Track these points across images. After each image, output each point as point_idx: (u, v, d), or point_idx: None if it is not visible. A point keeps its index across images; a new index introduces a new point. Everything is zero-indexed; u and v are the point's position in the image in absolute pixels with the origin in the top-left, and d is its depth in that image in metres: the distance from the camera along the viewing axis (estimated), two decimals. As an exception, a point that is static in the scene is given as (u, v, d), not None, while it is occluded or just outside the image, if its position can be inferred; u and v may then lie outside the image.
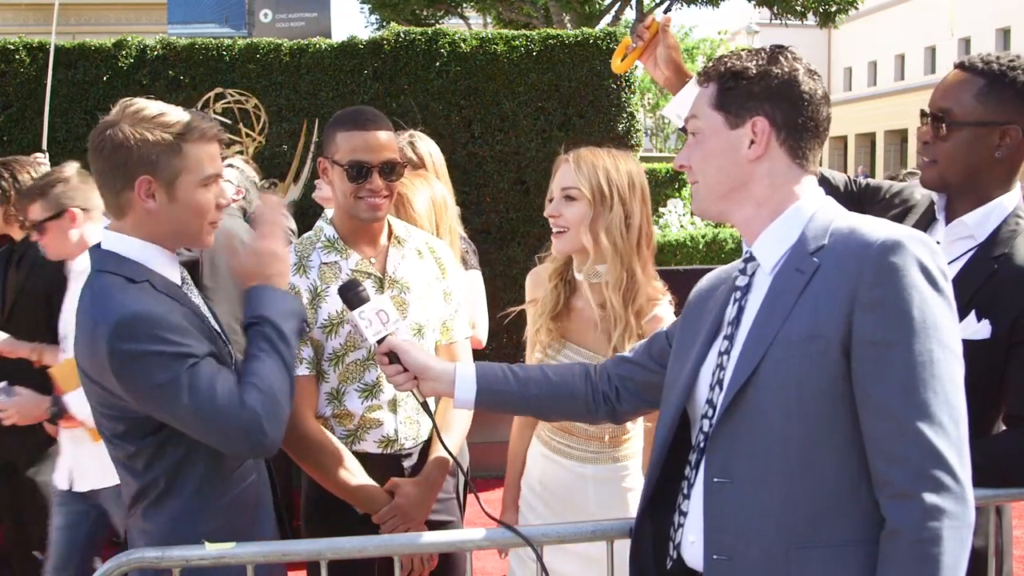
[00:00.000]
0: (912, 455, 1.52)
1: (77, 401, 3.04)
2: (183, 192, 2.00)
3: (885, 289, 1.56)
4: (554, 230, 2.53)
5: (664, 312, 2.53)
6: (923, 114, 2.23)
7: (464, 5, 21.40)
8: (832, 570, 1.59)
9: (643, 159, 10.87)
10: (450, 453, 2.33)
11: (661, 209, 13.18)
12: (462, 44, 6.34)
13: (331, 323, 2.40)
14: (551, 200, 2.54)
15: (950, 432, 1.53)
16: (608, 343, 2.49)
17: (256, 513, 2.16)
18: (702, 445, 1.74)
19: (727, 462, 1.68)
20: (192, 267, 3.91)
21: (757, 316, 1.70)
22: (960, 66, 2.20)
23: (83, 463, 3.23)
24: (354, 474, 2.41)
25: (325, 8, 15.12)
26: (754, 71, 1.72)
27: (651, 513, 1.88)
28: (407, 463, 2.53)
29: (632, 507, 2.59)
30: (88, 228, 3.18)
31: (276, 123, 6.27)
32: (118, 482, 3.08)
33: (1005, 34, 34.44)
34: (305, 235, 2.56)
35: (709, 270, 2.04)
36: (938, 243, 1.94)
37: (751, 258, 1.78)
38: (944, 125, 2.17)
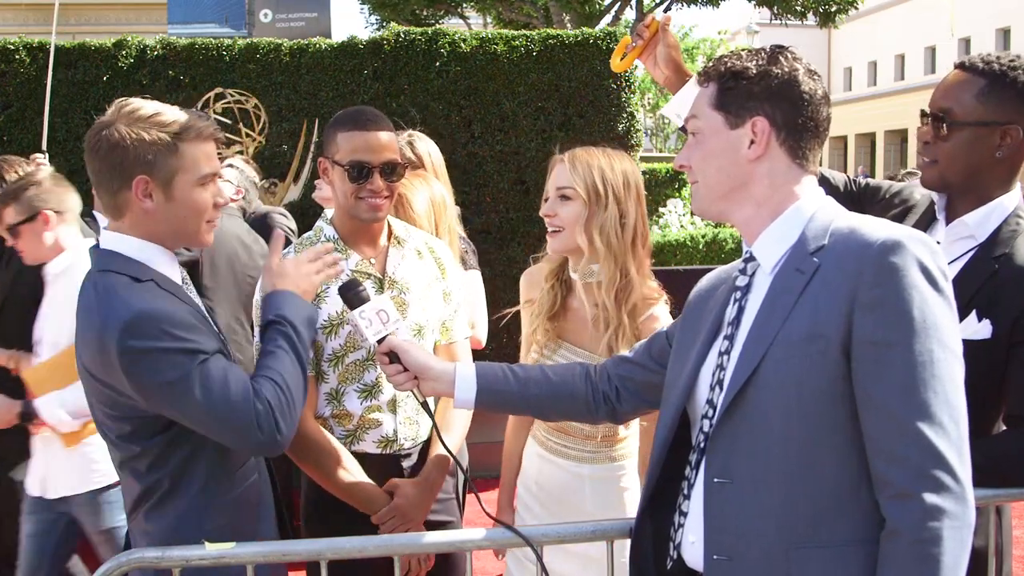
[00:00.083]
0: (912, 455, 1.52)
1: (47, 405, 3.04)
2: (180, 191, 2.00)
3: (885, 289, 1.56)
4: (549, 229, 2.53)
5: (660, 311, 2.53)
6: (923, 114, 2.23)
7: (464, 5, 21.39)
8: (832, 570, 1.59)
9: (643, 159, 10.88)
10: (450, 453, 2.33)
11: (661, 209, 13.19)
12: (462, 44, 6.34)
13: (331, 324, 2.40)
14: (547, 200, 2.55)
15: (950, 432, 1.53)
16: (603, 343, 2.49)
17: (258, 512, 2.16)
18: (702, 445, 1.74)
19: (727, 462, 1.68)
20: (192, 267, 3.91)
21: (757, 316, 1.70)
22: (960, 66, 2.20)
23: (54, 469, 3.18)
24: (353, 474, 2.41)
25: (325, 8, 15.14)
26: (754, 71, 1.72)
27: (651, 513, 1.88)
28: (406, 463, 2.53)
29: (629, 506, 2.59)
30: (62, 231, 3.16)
31: (276, 123, 6.27)
32: (90, 488, 3.10)
33: (1005, 34, 34.45)
34: (305, 235, 2.56)
35: (709, 270, 2.04)
36: (938, 243, 1.94)
37: (751, 258, 1.78)
38: (945, 125, 2.17)
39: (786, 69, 1.72)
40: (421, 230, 2.75)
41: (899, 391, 1.54)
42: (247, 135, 6.08)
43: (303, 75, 6.29)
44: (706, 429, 1.74)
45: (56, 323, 3.12)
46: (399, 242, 2.53)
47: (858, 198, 2.52)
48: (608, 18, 19.35)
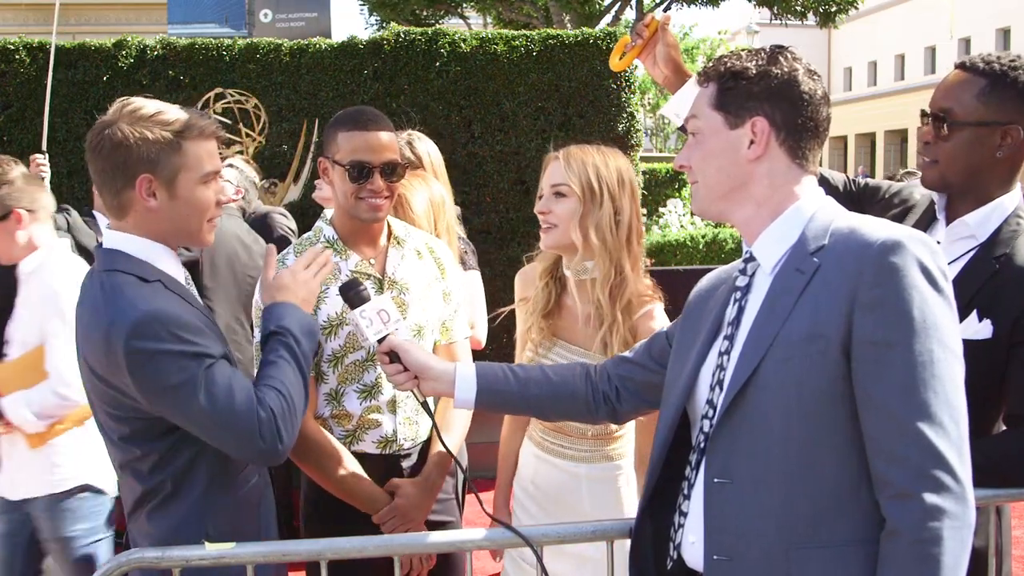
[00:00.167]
0: (912, 455, 1.52)
1: (13, 405, 3.01)
2: (183, 190, 2.00)
3: (885, 289, 1.56)
4: (543, 226, 2.53)
5: (656, 309, 2.53)
6: (924, 114, 2.23)
7: (464, 5, 21.38)
8: (832, 570, 1.59)
9: (643, 159, 10.87)
10: (450, 453, 2.33)
11: (661, 209, 13.19)
12: (462, 44, 6.34)
13: (330, 324, 2.40)
14: (541, 197, 2.55)
15: (950, 432, 1.53)
16: (597, 340, 2.49)
17: (259, 513, 2.16)
18: (702, 445, 1.74)
19: (727, 462, 1.68)
20: (192, 267, 3.91)
21: (757, 316, 1.70)
22: (961, 66, 2.20)
23: (18, 470, 3.14)
24: (354, 475, 2.41)
25: (325, 8, 15.12)
26: (754, 71, 1.72)
27: (651, 513, 1.88)
28: (406, 463, 2.53)
29: (626, 506, 2.59)
30: (35, 229, 3.13)
31: (276, 123, 6.27)
32: (49, 492, 3.06)
33: (1005, 34, 34.45)
34: (305, 235, 2.56)
35: (709, 270, 2.04)
36: (938, 243, 1.94)
37: (751, 258, 1.78)
38: (945, 125, 2.17)
39: (786, 69, 1.72)
40: (421, 230, 2.75)
41: (899, 391, 1.54)
42: (247, 135, 6.08)
43: (303, 75, 6.29)
44: (706, 429, 1.74)
45: (27, 323, 3.10)
46: (399, 242, 2.53)
47: (857, 198, 2.52)
48: (608, 18, 19.34)
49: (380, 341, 2.10)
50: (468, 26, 23.10)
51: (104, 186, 2.02)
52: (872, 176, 30.63)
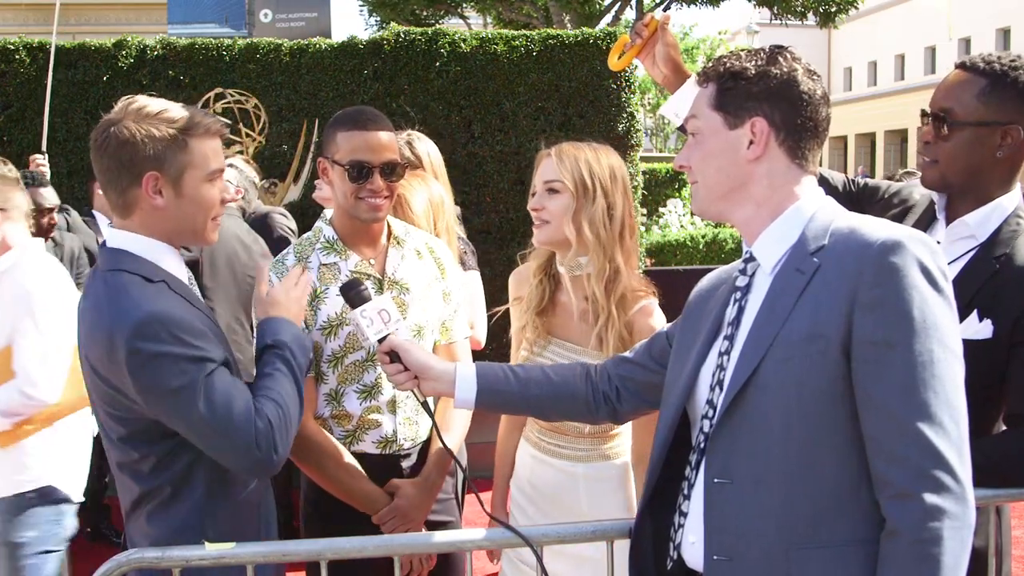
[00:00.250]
0: (912, 455, 1.52)
1: None
2: (189, 187, 2.00)
3: (885, 289, 1.56)
4: (536, 222, 2.54)
5: (651, 304, 2.54)
6: (924, 114, 2.23)
7: (464, 5, 21.38)
8: (832, 570, 1.59)
9: (643, 159, 10.87)
10: (451, 453, 2.33)
11: (661, 209, 13.20)
12: (462, 44, 6.34)
13: (330, 325, 2.40)
14: (534, 194, 2.56)
15: (950, 432, 1.53)
16: (592, 336, 2.50)
17: (259, 514, 2.16)
18: (702, 445, 1.74)
19: (727, 462, 1.68)
20: (191, 267, 3.91)
21: (757, 316, 1.70)
22: (961, 66, 2.20)
23: None
24: (353, 475, 2.41)
25: (325, 8, 15.13)
26: (753, 71, 1.72)
27: (651, 513, 1.88)
28: (405, 464, 2.53)
29: (624, 505, 2.59)
30: (8, 228, 3.11)
31: (276, 123, 6.27)
32: (15, 492, 3.02)
33: (1005, 34, 34.45)
34: (304, 236, 2.56)
35: (709, 270, 2.04)
36: (938, 243, 1.94)
37: (751, 258, 1.78)
38: (945, 125, 2.16)
39: (785, 69, 1.72)
40: (421, 230, 2.75)
41: (899, 391, 1.54)
42: (247, 135, 6.08)
43: (303, 75, 6.30)
44: (706, 429, 1.74)
45: None
46: (399, 242, 2.53)
47: (857, 198, 2.52)
48: (608, 18, 19.33)
49: (381, 341, 2.10)
50: (468, 26, 23.09)
51: (109, 184, 2.01)
52: (872, 176, 30.63)
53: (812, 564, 1.60)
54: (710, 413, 1.74)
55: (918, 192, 2.42)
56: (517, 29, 8.71)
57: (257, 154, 6.13)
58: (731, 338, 1.75)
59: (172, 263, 2.05)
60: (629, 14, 20.23)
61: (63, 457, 3.12)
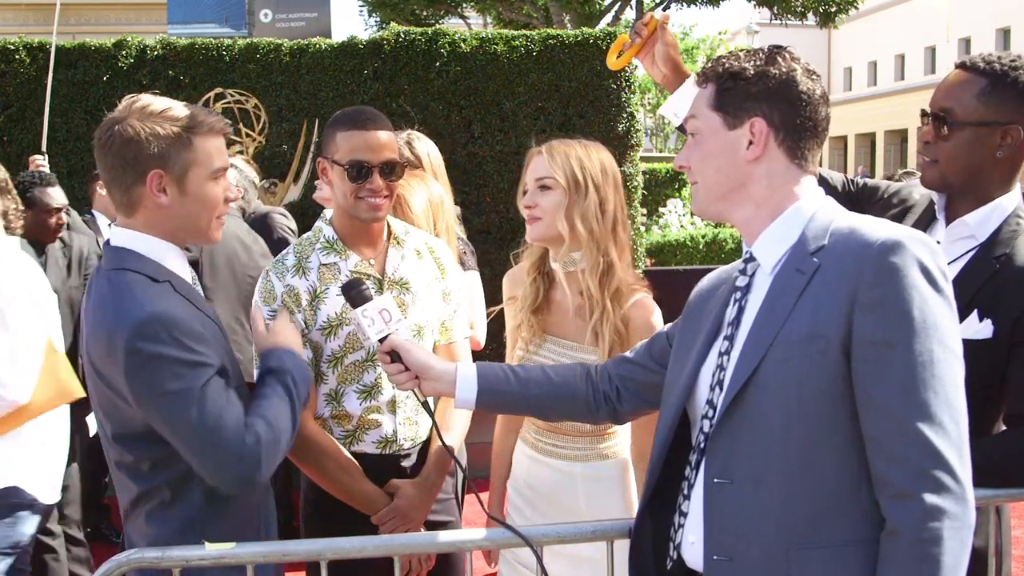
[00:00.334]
0: (912, 455, 1.52)
1: None
2: (194, 185, 2.00)
3: (885, 289, 1.56)
4: (528, 220, 2.54)
5: (646, 298, 2.55)
6: (924, 114, 2.23)
7: (464, 5, 21.38)
8: (832, 570, 1.59)
9: (643, 159, 10.88)
10: (451, 453, 2.33)
11: (661, 209, 13.20)
12: (462, 44, 6.34)
13: (330, 325, 2.40)
14: (525, 192, 2.56)
15: (950, 432, 1.53)
16: (588, 331, 2.50)
17: (259, 515, 2.15)
18: (702, 445, 1.74)
19: (727, 463, 1.68)
20: (191, 267, 3.91)
21: (757, 316, 1.70)
22: (961, 66, 2.20)
23: None
24: (353, 476, 2.41)
25: (325, 8, 15.13)
26: (752, 72, 1.72)
27: (651, 513, 1.88)
28: (405, 464, 2.53)
29: (623, 504, 2.59)
30: None
31: (276, 123, 6.27)
32: None
33: (1005, 34, 34.45)
34: (304, 236, 2.55)
35: (709, 270, 2.04)
36: (938, 243, 1.94)
37: (751, 258, 1.78)
38: (945, 125, 2.16)
39: (784, 69, 1.72)
40: (420, 230, 2.75)
41: (899, 391, 1.54)
42: (247, 135, 6.08)
43: (303, 75, 6.30)
44: (706, 429, 1.74)
45: None
46: (399, 242, 2.53)
47: (856, 198, 2.52)
48: (608, 18, 19.34)
49: (382, 340, 2.10)
50: (468, 26, 23.09)
51: (113, 183, 2.01)
52: (872, 176, 30.63)
53: (812, 564, 1.60)
54: (710, 413, 1.74)
55: (917, 192, 2.42)
56: (517, 29, 8.71)
57: (257, 154, 6.13)
58: (731, 338, 1.75)
59: (176, 262, 2.05)
60: (629, 14, 20.24)
61: (31, 458, 3.10)
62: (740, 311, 1.76)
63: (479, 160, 6.30)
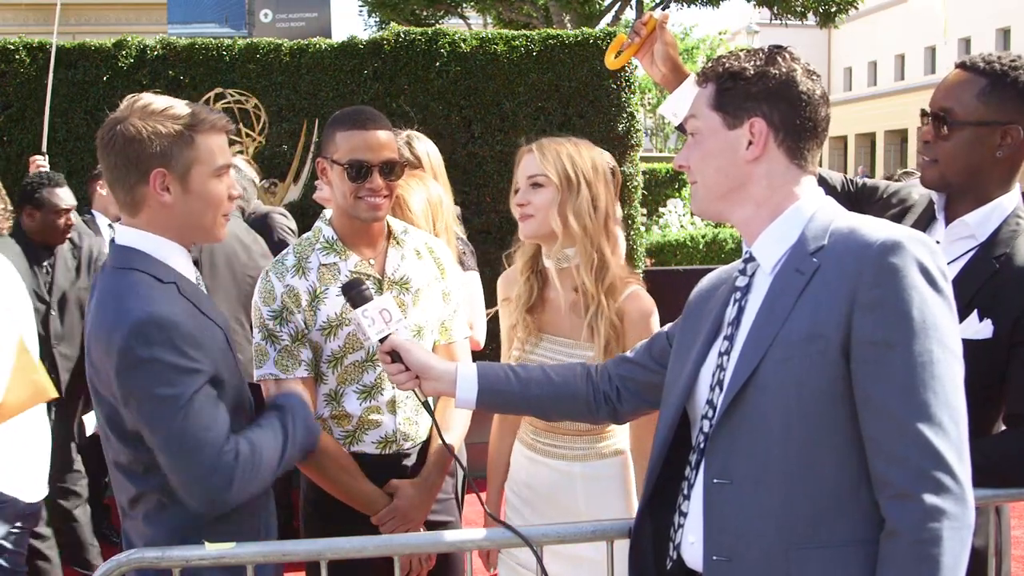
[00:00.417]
0: (912, 456, 1.52)
1: None
2: (197, 183, 2.00)
3: (885, 289, 1.56)
4: (520, 217, 2.55)
5: (640, 290, 2.56)
6: (924, 113, 2.23)
7: (464, 5, 21.38)
8: (832, 570, 1.59)
9: (643, 159, 10.88)
10: (452, 453, 2.33)
11: (661, 209, 13.20)
12: (462, 44, 6.34)
13: (330, 325, 2.40)
14: (517, 191, 2.57)
15: (950, 433, 1.53)
16: (584, 327, 2.51)
17: (259, 516, 2.15)
18: (702, 446, 1.74)
19: (727, 463, 1.67)
20: (192, 267, 3.91)
21: (757, 317, 1.70)
22: (962, 66, 2.20)
23: None
24: (353, 476, 2.41)
25: (325, 8, 15.12)
26: (752, 71, 1.72)
27: (651, 512, 1.88)
28: (405, 464, 2.53)
29: (622, 503, 2.59)
30: None
31: (276, 123, 6.27)
32: None
33: (1005, 34, 34.44)
34: (304, 236, 2.55)
35: (709, 270, 2.04)
36: (937, 243, 1.94)
37: (751, 258, 1.78)
38: (945, 125, 2.16)
39: (784, 69, 1.72)
40: (420, 230, 2.75)
41: (899, 392, 1.54)
42: (247, 135, 6.08)
43: (303, 75, 6.29)
44: (706, 429, 1.74)
45: None
46: (398, 242, 2.53)
47: (855, 198, 2.52)
48: (608, 18, 19.33)
49: (382, 341, 2.10)
50: (468, 26, 23.09)
51: (117, 182, 2.01)
52: (872, 176, 30.62)
53: (812, 564, 1.60)
54: (710, 413, 1.73)
55: (917, 192, 2.42)
56: (517, 29, 8.71)
57: (257, 154, 6.13)
58: (731, 338, 1.75)
59: (181, 262, 2.05)
60: (629, 14, 20.23)
61: (8, 458, 3.09)
62: (740, 311, 1.76)
63: (479, 160, 6.30)
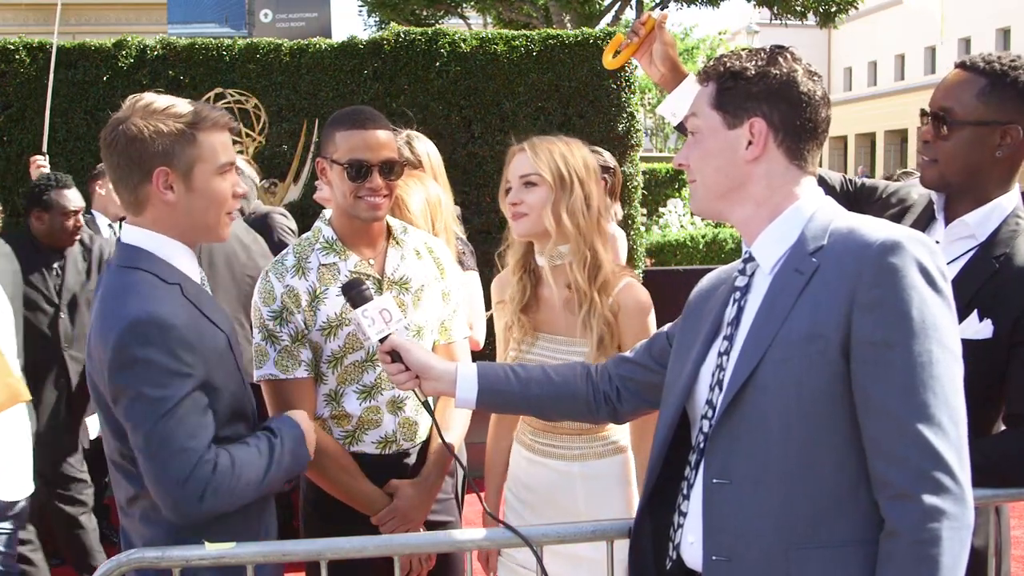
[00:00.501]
0: (912, 456, 1.52)
1: None
2: (200, 181, 2.00)
3: (884, 289, 1.56)
4: (513, 216, 2.55)
5: (633, 281, 2.57)
6: (923, 113, 2.23)
7: (464, 5, 21.38)
8: (831, 570, 1.59)
9: (643, 159, 10.87)
10: (452, 453, 2.33)
11: (661, 209, 13.20)
12: (462, 44, 6.34)
13: (329, 325, 2.40)
14: (508, 190, 2.57)
15: (949, 433, 1.53)
16: (578, 324, 2.51)
17: (259, 516, 2.15)
18: (702, 446, 1.74)
19: (726, 463, 1.67)
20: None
21: (756, 316, 1.70)
22: (961, 65, 2.20)
23: None
24: (353, 476, 2.41)
25: (325, 8, 15.12)
26: (753, 71, 1.72)
27: (650, 512, 1.88)
28: (405, 464, 2.53)
29: (623, 502, 2.59)
30: None
31: (276, 123, 6.27)
32: None
33: (1005, 34, 34.43)
34: (304, 236, 2.55)
35: (709, 270, 2.04)
36: (937, 243, 1.94)
37: (750, 258, 1.78)
38: (945, 124, 2.16)
39: (785, 70, 1.71)
40: (420, 230, 2.75)
41: (898, 392, 1.54)
42: (247, 135, 6.08)
43: (303, 75, 6.29)
44: (705, 429, 1.74)
45: None
46: (398, 242, 2.53)
47: (855, 198, 2.52)
48: (608, 18, 19.33)
49: (382, 341, 2.10)
50: (468, 26, 23.08)
51: (120, 182, 2.01)
52: (872, 176, 30.61)
53: (811, 564, 1.60)
54: (709, 413, 1.73)
55: (916, 192, 2.42)
56: (517, 29, 8.71)
57: (257, 154, 6.12)
58: (730, 338, 1.75)
59: (186, 262, 2.05)
60: (629, 14, 20.23)
61: None
62: (739, 311, 1.76)
63: (479, 160, 6.30)
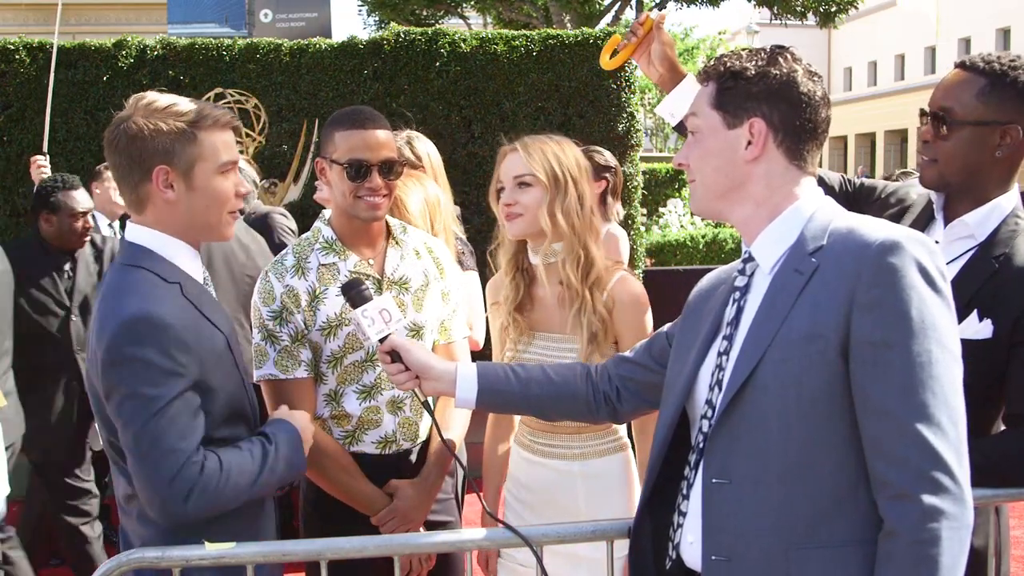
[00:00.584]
0: (911, 456, 1.52)
1: None
2: (201, 180, 2.00)
3: (883, 290, 1.56)
4: (507, 217, 2.55)
5: (626, 274, 2.59)
6: (923, 113, 2.23)
7: (464, 5, 21.37)
8: (831, 570, 1.59)
9: (643, 159, 10.87)
10: (452, 453, 2.33)
11: (661, 209, 13.20)
12: (462, 44, 6.34)
13: (329, 325, 2.40)
14: (501, 190, 2.57)
15: (949, 433, 1.53)
16: (571, 319, 2.52)
17: (259, 515, 2.15)
18: (701, 446, 1.74)
19: (726, 463, 1.68)
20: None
21: (756, 316, 1.70)
22: (961, 65, 2.20)
23: None
24: (353, 476, 2.41)
25: (325, 8, 15.11)
26: (753, 71, 1.72)
27: (650, 512, 1.88)
28: (405, 464, 2.53)
29: (624, 501, 2.59)
30: None
31: (276, 123, 6.27)
32: None
33: (1005, 34, 34.44)
34: (303, 236, 2.55)
35: (709, 270, 2.04)
36: (936, 243, 1.94)
37: (750, 258, 1.78)
38: (945, 124, 2.16)
39: (785, 70, 1.72)
40: (419, 230, 2.75)
41: (898, 392, 1.54)
42: (247, 135, 6.07)
43: (303, 75, 6.29)
44: (705, 429, 1.74)
45: None
46: (397, 242, 2.53)
47: (854, 198, 2.52)
48: (608, 18, 19.33)
49: (382, 341, 2.10)
50: (468, 26, 23.08)
51: (122, 181, 2.02)
52: (872, 176, 30.61)
53: (811, 564, 1.60)
54: (709, 413, 1.74)
55: (915, 192, 2.42)
56: (517, 29, 8.71)
57: (257, 154, 6.13)
58: (730, 338, 1.75)
59: (188, 261, 2.05)
60: (629, 14, 20.23)
61: None
62: (739, 311, 1.76)
63: (479, 160, 6.29)
